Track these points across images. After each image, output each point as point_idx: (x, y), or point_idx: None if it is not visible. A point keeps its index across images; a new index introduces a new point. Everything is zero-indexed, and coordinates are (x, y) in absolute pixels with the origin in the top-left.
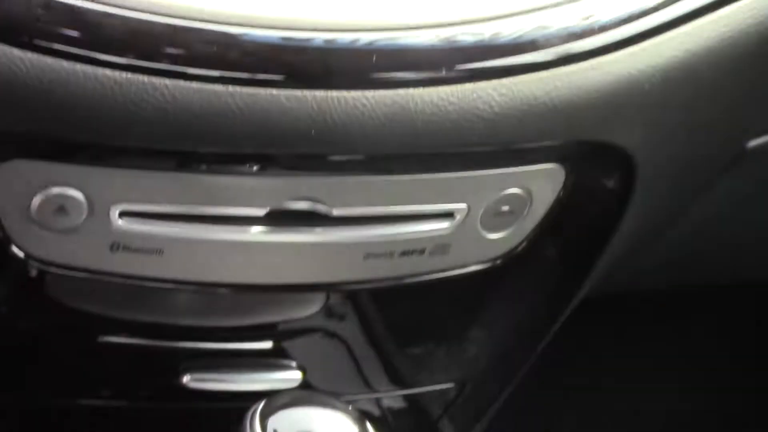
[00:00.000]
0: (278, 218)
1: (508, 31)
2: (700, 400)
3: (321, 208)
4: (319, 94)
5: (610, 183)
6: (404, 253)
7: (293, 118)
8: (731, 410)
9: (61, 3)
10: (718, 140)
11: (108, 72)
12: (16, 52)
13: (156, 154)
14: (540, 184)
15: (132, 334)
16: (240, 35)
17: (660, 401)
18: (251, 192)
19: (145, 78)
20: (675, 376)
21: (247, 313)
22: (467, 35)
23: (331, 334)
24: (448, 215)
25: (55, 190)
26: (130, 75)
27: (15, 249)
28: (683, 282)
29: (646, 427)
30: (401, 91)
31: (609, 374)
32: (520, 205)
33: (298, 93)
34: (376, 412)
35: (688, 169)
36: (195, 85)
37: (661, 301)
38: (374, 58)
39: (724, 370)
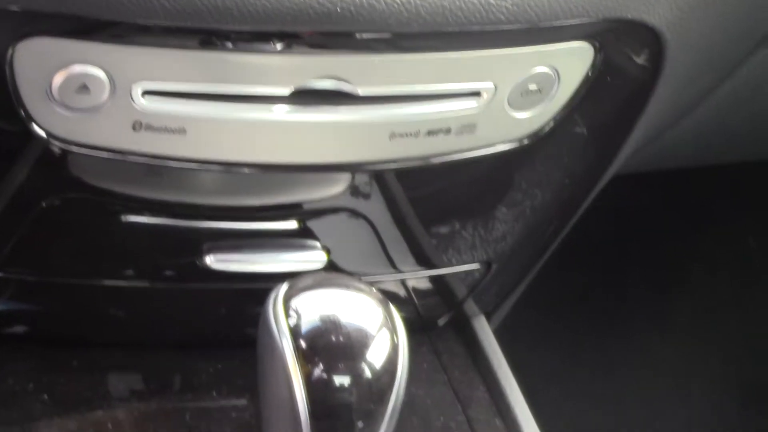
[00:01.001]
0: (303, 97)
1: None
2: None
3: (346, 86)
4: None
5: (639, 62)
6: (430, 133)
7: None
8: None
9: None
10: (746, 22)
11: None
12: None
13: (179, 31)
14: (568, 62)
15: (155, 214)
16: None
17: None
18: (276, 70)
19: None
20: None
21: (271, 193)
22: None
23: (356, 215)
24: (475, 94)
25: (77, 68)
26: None
27: (37, 128)
28: (706, 161)
29: None
30: None
31: None
32: (548, 84)
33: None
34: (401, 293)
35: (715, 49)
36: None
37: None
38: None
39: None
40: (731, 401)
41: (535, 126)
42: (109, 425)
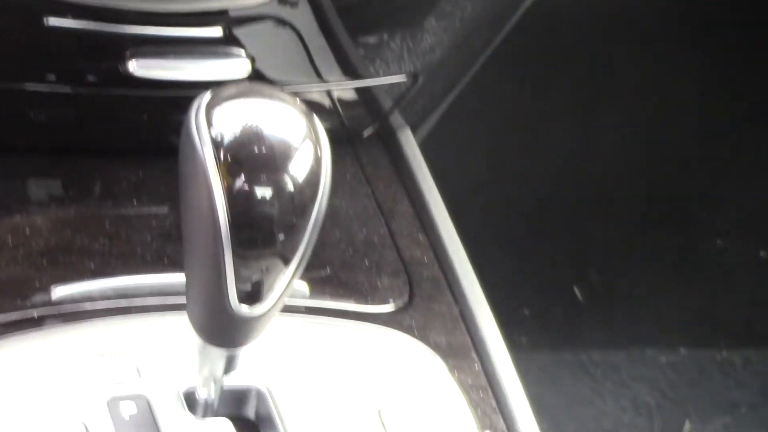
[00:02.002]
0: None
1: None
2: None
3: None
4: None
5: None
6: None
7: None
8: None
9: None
10: None
11: None
12: None
13: None
14: None
15: (78, 17)
16: None
17: None
18: None
19: None
20: None
21: None
22: None
23: (283, 23)
24: None
25: None
26: None
27: None
28: None
29: None
30: None
31: None
32: None
33: None
34: (326, 103)
35: None
36: None
37: None
38: None
39: None
40: None
41: None
42: (27, 230)
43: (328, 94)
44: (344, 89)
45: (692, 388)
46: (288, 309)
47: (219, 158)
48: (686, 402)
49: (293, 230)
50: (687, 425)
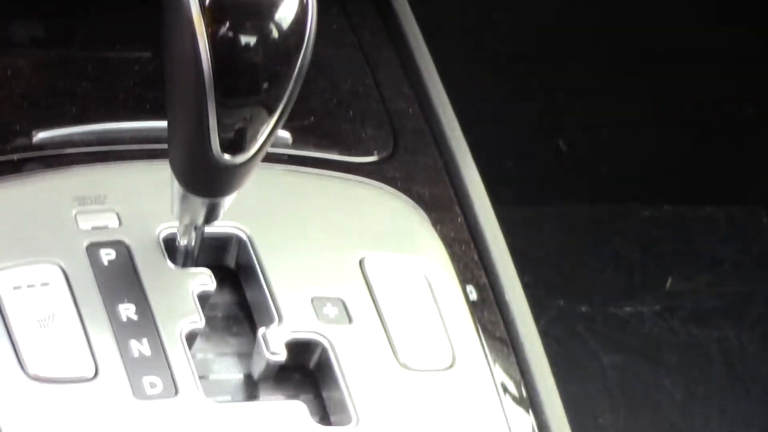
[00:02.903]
0: None
1: None
2: None
3: None
4: None
5: None
6: None
7: None
8: None
9: None
10: None
11: None
12: None
13: None
14: None
15: None
16: None
17: None
18: None
19: None
20: None
21: None
22: None
23: None
24: None
25: None
26: None
27: None
28: None
29: None
30: None
31: None
32: None
33: None
34: None
35: None
36: None
37: None
38: None
39: None
40: None
41: None
42: (9, 72)
43: None
44: None
45: (675, 244)
46: (270, 157)
47: (203, 4)
48: (668, 258)
49: (277, 79)
50: (669, 282)
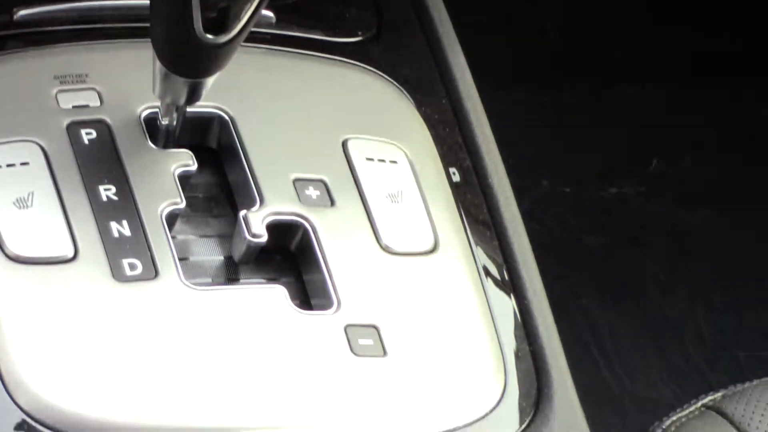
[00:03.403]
0: None
1: None
2: None
3: None
4: None
5: None
6: None
7: None
8: None
9: None
10: None
11: None
12: None
13: None
14: None
15: None
16: None
17: None
18: None
19: None
20: None
21: None
22: None
23: None
24: None
25: None
26: None
27: None
28: None
29: None
30: None
31: None
32: None
33: None
34: None
35: None
36: None
37: None
38: None
39: None
40: None
41: None
42: None
43: None
44: None
45: (660, 125)
46: (252, 37)
47: None
48: (654, 138)
49: None
50: (653, 163)
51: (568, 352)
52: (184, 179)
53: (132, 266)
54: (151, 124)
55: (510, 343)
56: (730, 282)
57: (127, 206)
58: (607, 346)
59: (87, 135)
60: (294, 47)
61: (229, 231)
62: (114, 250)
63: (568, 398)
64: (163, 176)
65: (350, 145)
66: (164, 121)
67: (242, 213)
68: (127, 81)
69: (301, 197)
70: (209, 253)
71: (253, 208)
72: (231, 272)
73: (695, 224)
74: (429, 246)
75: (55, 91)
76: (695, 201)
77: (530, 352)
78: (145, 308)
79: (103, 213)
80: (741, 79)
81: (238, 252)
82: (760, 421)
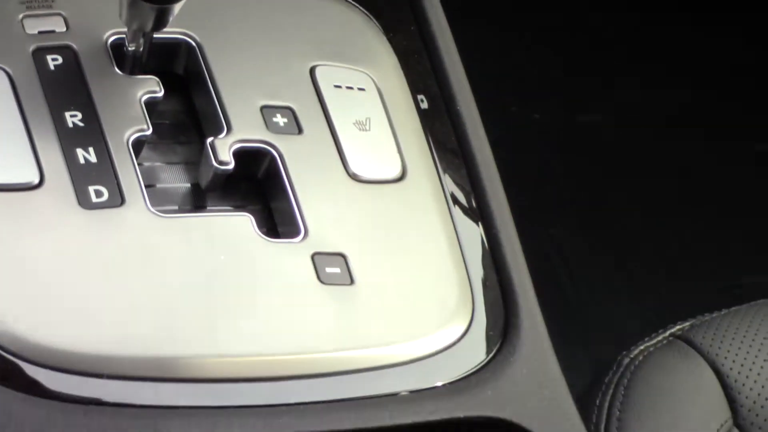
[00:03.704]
0: None
1: None
2: None
3: None
4: None
5: None
6: None
7: None
8: None
9: None
10: None
11: None
12: None
13: None
14: None
15: None
16: None
17: None
18: None
19: None
20: None
21: None
22: None
23: None
24: None
25: None
26: None
27: None
28: None
29: None
30: None
31: None
32: None
33: None
34: None
35: None
36: None
37: None
38: None
39: None
40: None
41: None
42: None
43: None
44: None
45: (631, 49)
46: None
47: None
48: (622, 64)
49: None
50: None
51: (536, 281)
52: (151, 106)
53: (98, 193)
54: (117, 50)
55: (478, 273)
56: (699, 209)
57: (93, 132)
58: (576, 275)
59: (53, 61)
60: None
61: (196, 158)
62: (80, 176)
63: (536, 328)
64: (130, 103)
65: (318, 72)
66: (131, 48)
67: (209, 140)
68: (93, 6)
69: (268, 124)
70: (176, 180)
71: (220, 135)
72: (198, 199)
73: (666, 152)
74: (397, 173)
75: (20, 16)
76: (665, 128)
77: (498, 282)
78: (111, 235)
79: (69, 139)
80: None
81: (205, 179)
82: (728, 350)
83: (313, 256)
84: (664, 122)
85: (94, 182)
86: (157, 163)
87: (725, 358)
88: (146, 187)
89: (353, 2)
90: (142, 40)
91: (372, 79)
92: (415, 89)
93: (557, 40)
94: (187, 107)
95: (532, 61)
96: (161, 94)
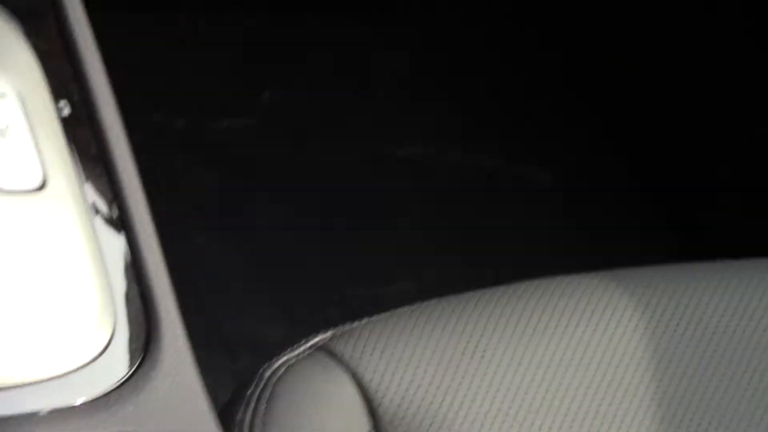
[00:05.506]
0: None
1: None
2: None
3: None
4: None
5: None
6: None
7: None
8: None
9: None
10: None
11: None
12: None
13: None
14: None
15: None
16: None
17: None
18: None
19: None
20: None
21: None
22: None
23: None
24: None
25: None
26: None
27: None
28: None
29: None
30: None
31: None
32: None
33: None
34: None
35: None
36: None
37: None
38: None
39: None
40: None
41: None
42: None
43: None
44: None
45: (274, 55)
46: None
47: None
48: (266, 70)
49: None
50: (266, 95)
51: (178, 292)
52: None
53: None
54: None
55: (120, 285)
56: (347, 217)
57: None
58: (218, 284)
59: None
60: None
61: None
62: None
63: (177, 340)
64: None
65: None
66: None
67: None
68: None
69: None
70: None
71: None
72: None
73: (305, 156)
74: (37, 183)
75: None
76: (309, 130)
77: (139, 294)
78: None
79: None
80: None
81: None
82: (369, 360)
83: None
84: (304, 124)
85: None
86: None
87: (365, 369)
88: None
89: None
90: None
91: (12, 85)
92: (57, 95)
93: (202, 46)
94: None
95: (174, 64)
96: None
